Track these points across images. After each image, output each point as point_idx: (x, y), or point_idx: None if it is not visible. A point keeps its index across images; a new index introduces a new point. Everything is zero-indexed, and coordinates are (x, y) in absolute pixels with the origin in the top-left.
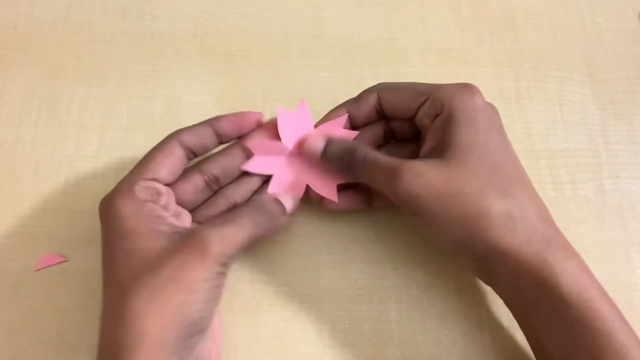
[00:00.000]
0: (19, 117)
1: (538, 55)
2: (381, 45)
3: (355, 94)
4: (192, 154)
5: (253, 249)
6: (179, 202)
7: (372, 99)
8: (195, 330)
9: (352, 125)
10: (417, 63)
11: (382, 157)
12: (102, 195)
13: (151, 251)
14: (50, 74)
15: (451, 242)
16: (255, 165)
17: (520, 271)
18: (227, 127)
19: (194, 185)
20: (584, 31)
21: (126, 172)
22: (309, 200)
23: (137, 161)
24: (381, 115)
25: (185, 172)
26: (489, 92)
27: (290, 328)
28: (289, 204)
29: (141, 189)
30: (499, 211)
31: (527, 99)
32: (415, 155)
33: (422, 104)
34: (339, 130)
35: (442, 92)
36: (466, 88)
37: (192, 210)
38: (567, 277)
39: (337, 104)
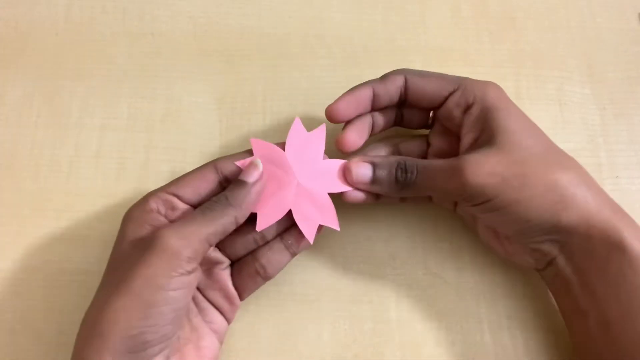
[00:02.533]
0: (19, 117)
1: (538, 55)
2: (381, 45)
3: None
4: (226, 181)
5: None
6: None
7: (400, 80)
8: (137, 343)
9: (374, 106)
10: (417, 63)
11: (435, 162)
12: (103, 195)
13: (126, 255)
14: (50, 74)
15: (523, 221)
16: (266, 219)
17: (592, 236)
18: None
19: None
20: (584, 31)
21: (126, 172)
22: None
23: (137, 161)
24: (403, 99)
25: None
26: None
27: (290, 328)
28: (249, 176)
29: (156, 200)
30: (568, 181)
31: (527, 99)
32: (424, 149)
33: (450, 94)
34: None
35: (472, 84)
36: (492, 83)
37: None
38: (636, 243)
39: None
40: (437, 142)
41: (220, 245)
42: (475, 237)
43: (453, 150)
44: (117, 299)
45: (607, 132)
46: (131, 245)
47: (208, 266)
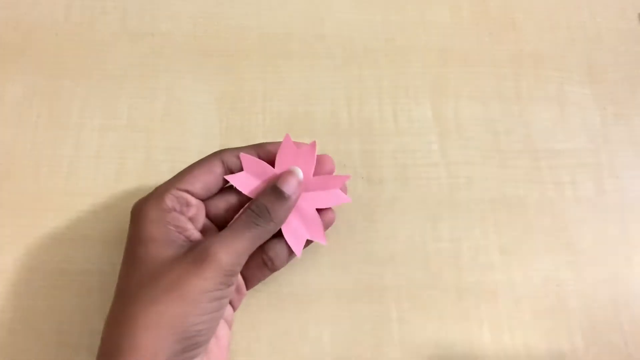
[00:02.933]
0: (19, 117)
1: (538, 55)
2: (381, 45)
3: (355, 94)
4: (232, 174)
5: None
6: (211, 217)
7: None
8: (190, 345)
9: None
10: (417, 63)
11: None
12: (103, 195)
13: (157, 259)
14: (50, 74)
15: None
16: (241, 181)
17: None
18: (271, 153)
19: (227, 203)
20: (584, 31)
21: (126, 172)
22: None
23: (137, 161)
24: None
25: (223, 191)
26: (489, 92)
27: (290, 328)
28: (289, 188)
29: (171, 198)
30: None
31: (527, 99)
32: None
33: None
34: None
35: None
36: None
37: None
38: None
39: (337, 104)
40: None
41: None
42: (475, 237)
43: None
44: (174, 305)
45: (607, 132)
46: (163, 249)
47: None
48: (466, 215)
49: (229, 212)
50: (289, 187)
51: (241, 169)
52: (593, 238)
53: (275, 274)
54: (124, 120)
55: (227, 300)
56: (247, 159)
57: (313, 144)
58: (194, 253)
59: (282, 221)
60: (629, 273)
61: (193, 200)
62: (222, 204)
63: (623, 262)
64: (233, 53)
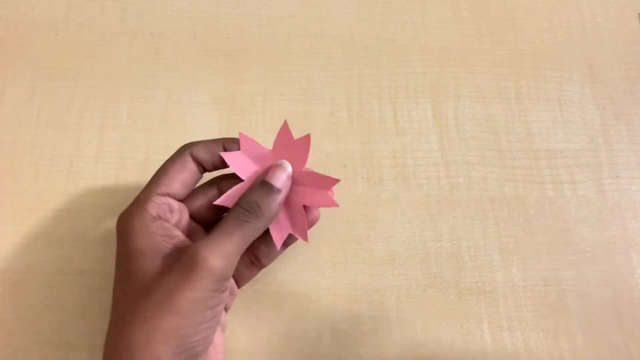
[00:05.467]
0: (19, 117)
1: (538, 55)
2: (381, 45)
3: (355, 94)
4: (203, 168)
5: None
6: (195, 218)
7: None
8: (190, 356)
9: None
10: (417, 63)
11: None
12: (102, 195)
13: (148, 273)
14: (50, 74)
15: None
16: (235, 160)
17: None
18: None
19: (209, 201)
20: (584, 31)
21: (126, 172)
22: None
23: (137, 161)
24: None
25: (201, 188)
26: (489, 92)
27: (290, 328)
28: (278, 181)
29: (153, 205)
30: None
31: (527, 99)
32: None
33: None
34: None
35: None
36: None
37: (208, 227)
38: None
39: (337, 104)
40: None
41: None
42: (475, 237)
43: None
44: (167, 320)
45: (607, 132)
46: (152, 261)
47: None
48: (466, 215)
49: (211, 209)
50: (278, 180)
51: (211, 164)
52: (593, 238)
53: (276, 274)
54: (124, 120)
55: (221, 307)
56: (245, 139)
57: (308, 137)
58: (181, 261)
59: (273, 216)
60: (629, 273)
61: (175, 204)
62: (204, 202)
63: (623, 262)
64: (233, 53)
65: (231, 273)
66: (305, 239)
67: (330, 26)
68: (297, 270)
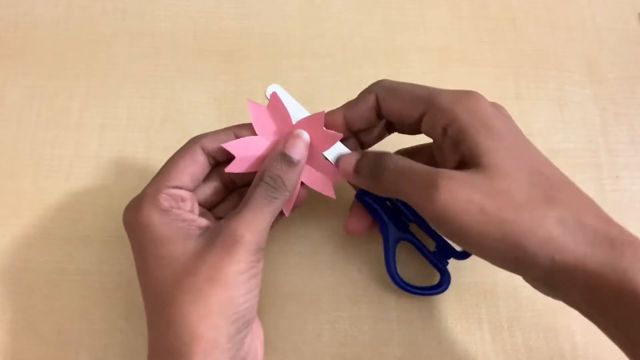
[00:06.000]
0: (19, 117)
1: (538, 55)
2: (381, 45)
3: (355, 94)
4: (213, 160)
5: None
6: (200, 204)
7: (371, 100)
8: (243, 324)
9: (352, 129)
10: (417, 63)
11: (415, 165)
12: (102, 195)
13: (184, 255)
14: (50, 74)
15: (503, 262)
16: (238, 165)
17: (592, 284)
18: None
19: (214, 189)
20: (584, 31)
21: (126, 172)
22: (309, 201)
23: (137, 161)
24: (381, 115)
25: (206, 177)
26: (489, 92)
27: (290, 328)
28: (297, 153)
29: (165, 197)
30: (554, 220)
31: (527, 99)
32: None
33: (422, 115)
34: (320, 130)
35: (442, 101)
36: (468, 95)
37: (212, 209)
38: None
39: (337, 105)
40: (449, 157)
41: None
42: None
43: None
44: (219, 291)
45: (607, 132)
46: (183, 244)
47: None
48: None
49: (216, 195)
50: (297, 151)
51: (223, 154)
52: None
53: (275, 274)
54: (124, 120)
55: (260, 275)
56: (231, 145)
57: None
58: (220, 239)
59: (294, 187)
60: None
61: (186, 194)
62: (209, 190)
63: None
64: (233, 53)
65: (265, 244)
66: (287, 213)
67: (330, 26)
68: (297, 270)
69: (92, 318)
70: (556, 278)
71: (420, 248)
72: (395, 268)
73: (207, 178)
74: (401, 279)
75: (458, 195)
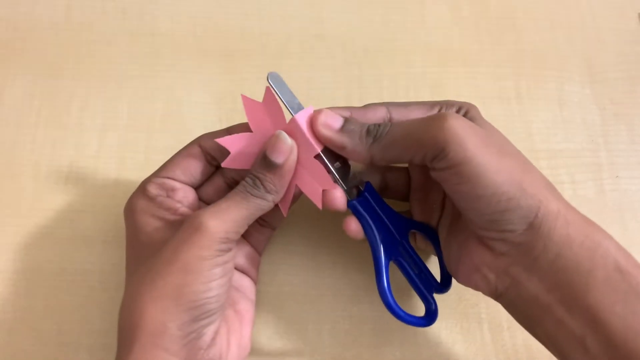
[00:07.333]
0: (19, 117)
1: (538, 55)
2: (381, 45)
3: (355, 93)
4: (212, 158)
5: None
6: (204, 201)
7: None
8: (203, 313)
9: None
10: (417, 63)
11: (412, 118)
12: (102, 195)
13: (155, 239)
14: (50, 74)
15: (500, 199)
16: (233, 161)
17: (572, 234)
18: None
19: (216, 186)
20: (584, 31)
21: (126, 172)
22: (309, 200)
23: (137, 161)
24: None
25: (210, 176)
26: (489, 92)
27: (290, 328)
28: (277, 155)
29: (153, 186)
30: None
31: (527, 99)
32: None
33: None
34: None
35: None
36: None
37: None
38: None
39: (337, 104)
40: (417, 175)
41: None
42: None
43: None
44: (176, 275)
45: (607, 132)
46: (160, 230)
47: None
48: None
49: (218, 193)
50: (279, 155)
51: (220, 152)
52: None
53: (276, 274)
54: (124, 120)
55: (230, 266)
56: (226, 140)
57: (268, 90)
58: (186, 225)
59: (281, 189)
60: None
61: (177, 184)
62: (211, 188)
63: None
64: (233, 53)
65: (235, 237)
66: (284, 213)
67: (331, 26)
68: (297, 270)
69: (92, 318)
70: (536, 223)
71: (410, 274)
72: (391, 293)
73: (211, 178)
74: (400, 308)
75: (466, 123)
